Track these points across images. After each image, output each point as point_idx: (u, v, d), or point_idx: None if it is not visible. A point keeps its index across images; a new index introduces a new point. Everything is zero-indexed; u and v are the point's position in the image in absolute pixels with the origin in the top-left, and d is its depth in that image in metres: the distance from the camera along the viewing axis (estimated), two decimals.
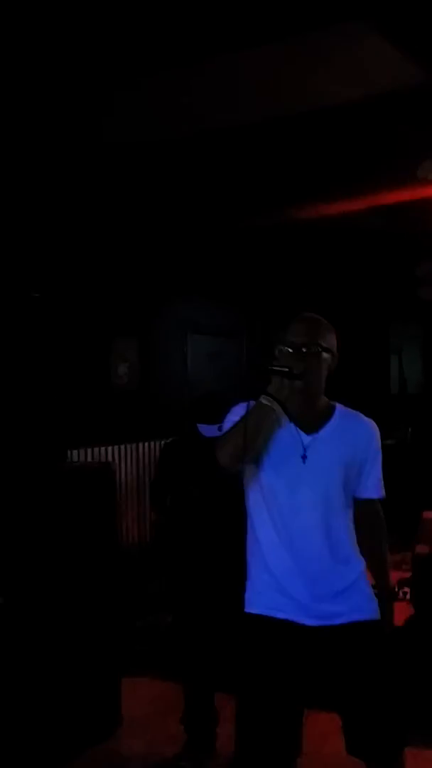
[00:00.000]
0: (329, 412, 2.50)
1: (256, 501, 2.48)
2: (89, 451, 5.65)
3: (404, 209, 6.19)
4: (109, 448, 5.85)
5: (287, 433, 2.44)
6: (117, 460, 5.83)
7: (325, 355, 2.46)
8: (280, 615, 2.40)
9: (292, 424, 2.45)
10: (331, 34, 3.60)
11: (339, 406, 2.54)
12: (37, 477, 3.82)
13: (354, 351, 8.80)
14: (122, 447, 5.95)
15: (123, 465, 5.87)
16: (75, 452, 5.48)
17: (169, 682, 3.66)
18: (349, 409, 2.56)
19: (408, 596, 4.55)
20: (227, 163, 5.43)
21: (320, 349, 2.44)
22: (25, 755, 3.53)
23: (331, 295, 8.56)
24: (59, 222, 5.55)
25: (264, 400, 2.37)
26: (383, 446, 2.62)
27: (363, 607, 2.43)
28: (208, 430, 3.48)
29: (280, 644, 2.40)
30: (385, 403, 7.96)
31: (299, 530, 2.40)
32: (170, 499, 3.73)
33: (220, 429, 3.23)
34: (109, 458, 5.76)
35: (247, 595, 2.49)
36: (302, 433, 2.44)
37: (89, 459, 5.61)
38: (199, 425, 3.53)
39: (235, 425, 2.39)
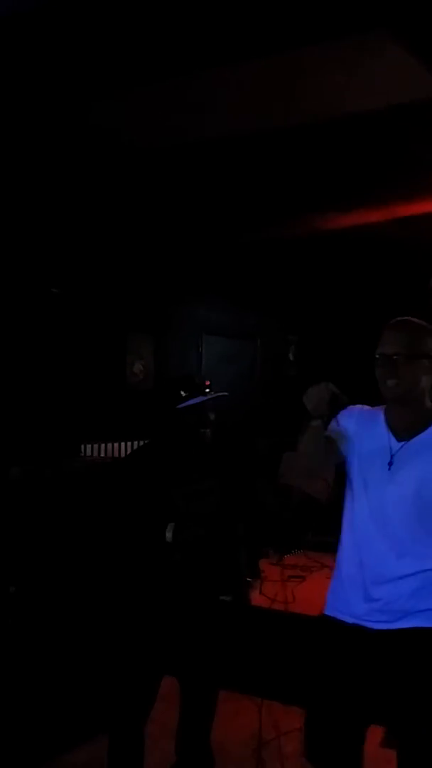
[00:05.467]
0: (429, 421, 2.41)
1: (346, 496, 2.53)
2: (102, 446, 5.72)
3: (420, 220, 6.22)
4: (122, 444, 5.92)
5: (378, 438, 2.45)
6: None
7: (419, 362, 2.37)
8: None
9: (385, 430, 2.45)
10: (350, 44, 3.64)
11: None
12: (50, 471, 3.89)
13: (366, 358, 8.85)
14: (135, 444, 6.01)
15: None
16: (88, 447, 5.55)
17: (170, 678, 3.71)
18: None
19: None
20: (245, 170, 5.48)
21: (410, 358, 2.36)
22: (25, 744, 3.59)
23: (344, 303, 8.61)
24: (79, 220, 5.62)
25: (313, 422, 2.42)
26: None
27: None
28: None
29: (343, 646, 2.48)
30: None
31: (372, 534, 2.42)
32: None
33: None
34: (122, 454, 5.83)
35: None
36: (393, 440, 2.43)
37: (102, 454, 5.67)
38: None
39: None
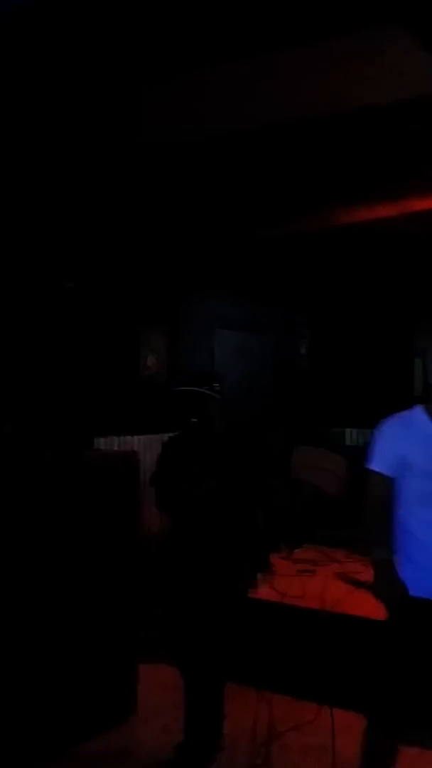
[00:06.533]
0: None
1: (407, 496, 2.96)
2: (116, 439, 5.76)
3: None
4: (135, 437, 5.95)
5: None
6: (142, 450, 5.92)
7: None
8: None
9: None
10: (363, 37, 3.63)
11: None
12: (63, 463, 3.91)
13: (378, 353, 8.88)
14: (148, 437, 6.04)
15: (148, 454, 5.95)
16: (102, 440, 5.59)
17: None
18: None
19: None
20: (258, 165, 5.48)
21: None
22: (39, 735, 3.63)
23: (356, 297, 8.60)
24: (93, 215, 5.64)
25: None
26: None
27: None
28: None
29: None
30: (407, 405, 7.97)
31: None
32: (176, 499, 3.66)
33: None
34: (135, 447, 5.86)
35: None
36: None
37: (115, 447, 5.71)
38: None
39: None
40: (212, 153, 5.24)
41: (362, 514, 3.02)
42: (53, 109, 4.44)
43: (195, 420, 3.60)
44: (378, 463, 3.00)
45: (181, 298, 6.78)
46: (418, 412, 3.02)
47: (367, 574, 5.34)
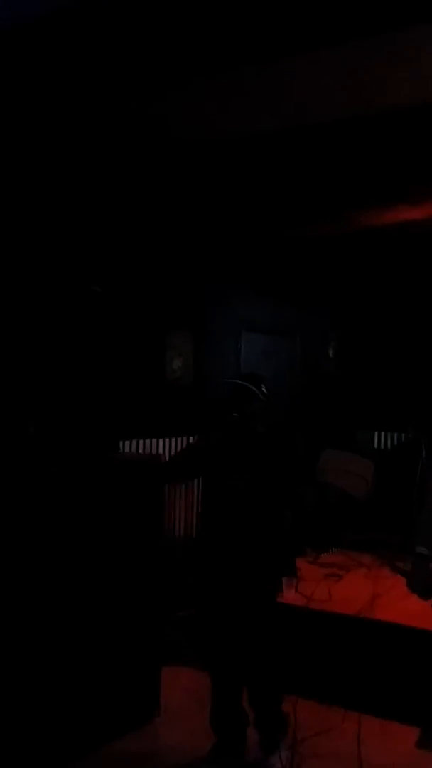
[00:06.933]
0: None
1: None
2: (141, 442, 5.78)
3: None
4: (161, 441, 5.96)
5: None
6: (167, 453, 5.93)
7: None
8: None
9: None
10: (390, 38, 3.60)
11: None
12: (89, 467, 3.92)
13: (407, 355, 8.80)
14: (173, 440, 6.05)
15: None
16: (127, 443, 5.61)
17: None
18: None
19: None
20: (288, 166, 5.47)
21: None
22: (63, 736, 3.64)
23: (385, 300, 8.54)
24: (120, 217, 5.67)
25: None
26: None
27: None
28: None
29: None
30: None
31: None
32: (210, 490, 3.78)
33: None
34: (160, 451, 5.87)
35: None
36: None
37: (140, 451, 5.72)
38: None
39: None
40: (239, 155, 5.24)
41: (421, 504, 3.05)
42: (79, 114, 4.46)
43: (236, 415, 3.63)
44: None
45: (207, 301, 6.78)
46: None
47: (393, 580, 5.32)
